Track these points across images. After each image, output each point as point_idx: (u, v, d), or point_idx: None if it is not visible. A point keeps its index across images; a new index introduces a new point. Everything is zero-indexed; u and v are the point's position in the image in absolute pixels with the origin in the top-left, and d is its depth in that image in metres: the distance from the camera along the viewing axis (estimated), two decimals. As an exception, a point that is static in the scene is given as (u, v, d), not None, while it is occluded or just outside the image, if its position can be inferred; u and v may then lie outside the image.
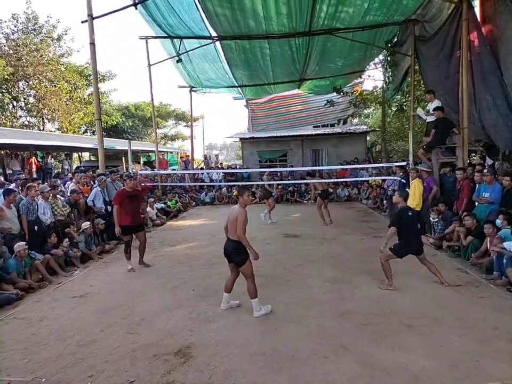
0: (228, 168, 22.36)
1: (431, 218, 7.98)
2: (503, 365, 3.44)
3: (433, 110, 8.99)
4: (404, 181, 9.41)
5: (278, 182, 16.20)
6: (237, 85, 16.84)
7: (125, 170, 16.42)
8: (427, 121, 9.68)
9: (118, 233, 6.61)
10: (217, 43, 12.59)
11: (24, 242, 6.17)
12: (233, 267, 4.77)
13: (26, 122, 24.16)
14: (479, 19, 8.19)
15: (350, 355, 3.69)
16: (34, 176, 13.27)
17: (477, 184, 7.31)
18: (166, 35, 12.35)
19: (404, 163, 10.93)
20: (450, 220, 7.59)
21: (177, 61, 13.43)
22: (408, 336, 4.05)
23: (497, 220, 6.20)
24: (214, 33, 11.83)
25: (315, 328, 4.30)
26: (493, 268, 5.72)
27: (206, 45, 12.60)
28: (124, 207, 6.58)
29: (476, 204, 7.23)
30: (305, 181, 16.19)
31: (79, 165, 20.66)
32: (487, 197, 6.79)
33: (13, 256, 5.96)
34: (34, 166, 14.60)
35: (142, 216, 7.89)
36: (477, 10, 8.35)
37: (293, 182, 16.32)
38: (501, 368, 3.39)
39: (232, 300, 4.97)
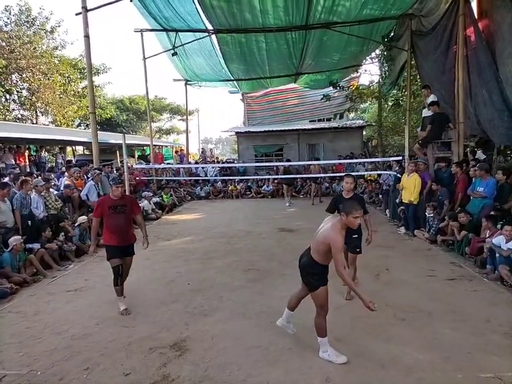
0: (223, 163, 22.31)
1: (426, 213, 8.03)
2: (495, 357, 3.48)
3: (429, 105, 9.01)
4: (400, 176, 9.44)
5: (275, 177, 16.21)
6: (232, 78, 16.76)
7: (119, 165, 16.34)
8: (423, 115, 9.70)
9: (92, 253, 5.26)
10: (213, 36, 12.51)
11: (20, 236, 6.14)
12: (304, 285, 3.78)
13: (19, 116, 23.91)
14: (475, 14, 8.20)
15: (344, 348, 3.72)
16: (28, 170, 13.17)
17: (473, 179, 7.35)
18: (161, 28, 12.24)
19: (400, 158, 10.97)
20: (444, 215, 7.65)
21: (173, 54, 13.34)
22: (402, 329, 4.09)
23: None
24: (209, 26, 11.74)
25: (310, 322, 4.30)
26: (486, 262, 5.77)
27: (202, 38, 12.51)
28: (108, 221, 4.78)
29: (471, 198, 7.28)
30: (301, 176, 16.26)
31: (70, 158, 20.49)
32: (480, 192, 6.84)
33: (8, 250, 5.92)
34: (24, 160, 14.45)
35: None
36: (474, 5, 8.36)
37: (290, 176, 16.29)
38: (493, 360, 3.44)
39: (291, 324, 3.98)
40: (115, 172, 12.12)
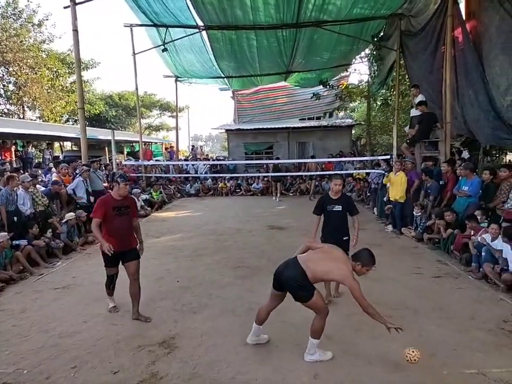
0: (213, 160, 22.25)
1: (414, 212, 8.13)
2: (479, 353, 3.56)
3: (417, 105, 9.11)
4: (387, 174, 9.53)
5: (265, 174, 16.23)
6: (223, 75, 16.70)
7: (108, 161, 16.18)
8: (411, 115, 9.80)
9: (109, 250, 4.16)
10: (204, 33, 12.42)
11: (6, 233, 6.05)
12: (278, 296, 3.67)
13: (5, 110, 23.46)
14: (464, 15, 8.30)
15: (333, 345, 3.76)
16: (14, 166, 12.95)
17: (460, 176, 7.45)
18: (151, 23, 12.11)
19: (388, 156, 11.08)
20: (430, 210, 7.76)
21: (163, 50, 13.21)
22: (389, 326, 4.14)
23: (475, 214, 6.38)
24: (200, 23, 11.66)
25: (299, 319, 4.35)
26: (471, 260, 5.88)
27: (192, 34, 12.42)
28: (111, 223, 4.32)
29: (456, 197, 7.39)
30: (291, 174, 16.32)
31: (58, 154, 20.21)
32: (465, 191, 6.94)
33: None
34: (10, 156, 14.22)
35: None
36: (462, 6, 8.46)
37: (280, 174, 16.34)
38: (477, 356, 3.51)
39: (261, 335, 3.84)
40: (104, 168, 12.02)
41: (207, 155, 26.80)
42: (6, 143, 14.57)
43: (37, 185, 8.00)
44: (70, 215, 7.76)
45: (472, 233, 6.14)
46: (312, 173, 15.15)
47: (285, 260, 3.79)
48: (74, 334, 4.10)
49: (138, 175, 14.49)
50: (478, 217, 6.31)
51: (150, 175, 15.24)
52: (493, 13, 7.23)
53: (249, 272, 6.00)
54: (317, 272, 3.35)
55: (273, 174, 15.65)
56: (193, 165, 18.30)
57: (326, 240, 4.74)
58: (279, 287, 3.56)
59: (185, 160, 21.51)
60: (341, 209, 4.76)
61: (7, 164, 11.34)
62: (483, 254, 5.55)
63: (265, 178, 16.16)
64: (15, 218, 6.78)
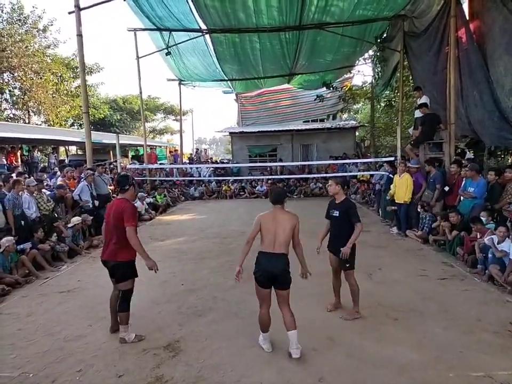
0: (217, 163, 22.29)
1: (419, 212, 8.10)
2: (486, 356, 3.53)
3: (418, 107, 9.10)
4: (392, 176, 9.50)
5: (269, 177, 16.23)
6: (226, 78, 16.75)
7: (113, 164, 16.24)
8: (415, 116, 9.78)
9: (155, 268, 4.14)
10: (207, 36, 12.49)
11: (12, 237, 6.09)
12: (268, 294, 3.66)
13: (11, 115, 23.69)
14: (467, 15, 8.28)
15: (337, 347, 3.75)
16: (19, 170, 13.04)
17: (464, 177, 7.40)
18: (154, 27, 12.20)
19: (392, 158, 11.04)
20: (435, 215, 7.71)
21: (166, 54, 13.31)
22: (395, 328, 4.12)
23: (481, 216, 6.33)
24: (203, 26, 11.73)
25: (303, 321, 4.33)
26: (477, 262, 5.84)
27: (195, 37, 12.49)
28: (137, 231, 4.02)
29: (461, 198, 7.35)
30: (295, 176, 16.32)
31: (63, 158, 20.35)
32: (471, 192, 6.90)
33: (0, 251, 5.85)
34: (16, 160, 14.32)
35: None
36: (466, 6, 8.44)
37: (284, 176, 16.38)
38: (484, 359, 3.48)
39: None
40: (109, 172, 12.06)
41: (211, 158, 26.83)
42: (13, 148, 14.68)
43: (43, 190, 8.03)
44: (76, 220, 7.80)
45: (478, 235, 6.10)
46: (313, 175, 15.17)
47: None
48: (80, 338, 4.12)
49: (143, 178, 14.53)
50: (484, 219, 6.27)
51: (154, 178, 15.28)
52: (496, 13, 7.21)
53: (251, 274, 5.98)
54: (286, 240, 3.65)
55: (277, 177, 15.70)
56: (197, 168, 18.34)
57: (328, 248, 4.63)
58: (270, 284, 3.61)
59: (189, 160, 21.57)
60: (338, 214, 4.39)
61: (18, 168, 11.40)
62: (489, 255, 5.50)
63: (269, 181, 16.16)
64: (22, 222, 6.83)
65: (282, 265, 3.56)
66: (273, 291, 3.69)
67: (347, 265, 4.37)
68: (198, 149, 25.91)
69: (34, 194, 7.49)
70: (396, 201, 8.66)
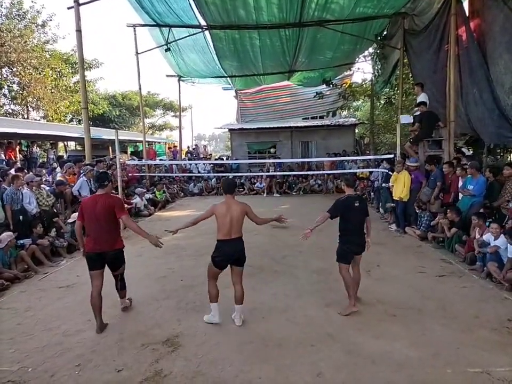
0: (216, 159, 22.26)
1: (417, 210, 8.11)
2: (483, 352, 3.55)
3: (416, 106, 9.10)
4: (391, 173, 9.51)
5: (267, 174, 16.20)
6: (226, 75, 16.71)
7: (110, 161, 16.21)
8: (414, 114, 9.78)
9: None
10: (207, 33, 12.44)
11: (12, 232, 6.08)
12: (218, 273, 4.21)
13: (10, 110, 23.58)
14: (467, 13, 8.26)
15: (336, 344, 3.76)
16: (19, 165, 13.02)
17: (460, 177, 7.41)
18: (154, 23, 12.14)
19: (391, 155, 11.04)
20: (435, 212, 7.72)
21: (166, 50, 13.24)
22: (393, 325, 4.14)
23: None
24: (203, 22, 11.68)
25: (302, 318, 4.36)
26: (475, 259, 5.86)
27: (195, 34, 12.44)
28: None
29: (460, 196, 7.36)
30: (294, 173, 16.31)
31: (62, 154, 20.32)
32: (470, 190, 6.91)
33: (1, 246, 5.83)
34: (14, 156, 14.29)
35: None
36: (466, 4, 8.42)
37: (287, 173, 16.38)
38: (481, 355, 3.50)
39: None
40: (108, 168, 12.03)
41: (210, 154, 26.79)
42: (11, 143, 14.64)
43: (42, 185, 8.01)
44: (76, 216, 7.76)
45: (477, 231, 6.11)
46: (312, 172, 15.18)
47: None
48: (79, 333, 4.13)
49: (142, 174, 14.51)
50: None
51: (153, 174, 15.26)
52: (497, 12, 7.20)
53: (252, 271, 6.00)
54: (240, 224, 4.21)
55: (275, 173, 15.71)
56: (196, 164, 18.32)
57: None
58: (226, 265, 4.18)
59: (187, 154, 21.53)
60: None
61: (17, 163, 11.38)
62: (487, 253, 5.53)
63: (268, 178, 16.17)
64: (21, 217, 6.82)
65: (240, 247, 4.17)
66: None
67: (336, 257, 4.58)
68: (197, 145, 25.85)
69: (34, 189, 7.47)
70: (394, 197, 8.69)
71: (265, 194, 15.51)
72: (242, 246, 4.19)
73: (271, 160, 16.72)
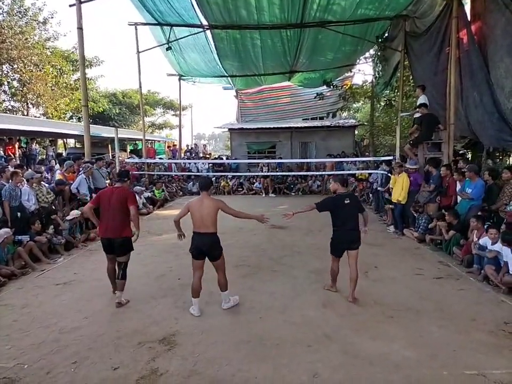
0: (215, 159, 22.25)
1: (414, 214, 8.13)
2: (480, 355, 3.55)
3: (417, 108, 9.11)
4: (390, 175, 9.53)
5: (268, 174, 16.20)
6: (226, 75, 16.70)
7: (111, 158, 16.21)
8: (414, 116, 9.80)
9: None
10: (208, 32, 12.43)
11: (9, 229, 6.07)
12: (201, 264, 4.46)
13: (10, 107, 23.57)
14: (469, 17, 8.28)
15: (333, 344, 3.76)
16: (17, 162, 12.99)
17: (458, 180, 7.42)
18: (155, 22, 12.13)
19: (391, 157, 11.05)
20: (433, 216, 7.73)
21: (167, 49, 13.24)
22: (390, 326, 4.14)
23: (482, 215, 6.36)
24: (204, 22, 11.67)
25: (299, 318, 4.36)
26: (473, 262, 5.86)
27: (197, 33, 12.44)
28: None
29: (459, 199, 7.36)
30: (294, 173, 16.32)
31: (61, 151, 20.27)
32: (468, 193, 6.92)
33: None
34: (13, 152, 14.26)
35: None
36: (468, 8, 8.43)
37: (284, 173, 16.38)
38: (478, 358, 3.51)
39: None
40: (107, 166, 12.02)
41: (210, 154, 26.77)
42: (11, 140, 14.62)
43: (42, 182, 8.00)
44: (76, 213, 7.77)
45: (475, 234, 6.12)
46: (312, 173, 15.19)
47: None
48: (75, 330, 4.12)
49: (141, 173, 14.50)
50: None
51: (152, 173, 15.25)
52: (498, 15, 7.20)
53: (250, 270, 6.00)
54: (213, 220, 4.34)
55: (275, 174, 15.72)
56: (195, 163, 18.31)
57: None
58: (201, 257, 4.42)
59: (187, 152, 21.51)
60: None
61: (13, 160, 11.34)
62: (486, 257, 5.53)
63: (262, 178, 16.21)
64: (19, 214, 6.81)
65: (208, 242, 4.34)
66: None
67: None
68: (196, 145, 25.84)
69: (33, 186, 7.46)
70: (392, 199, 8.70)
71: (263, 195, 15.55)
72: (211, 241, 4.36)
73: (265, 161, 16.73)
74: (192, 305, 4.51)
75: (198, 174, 17.24)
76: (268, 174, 15.98)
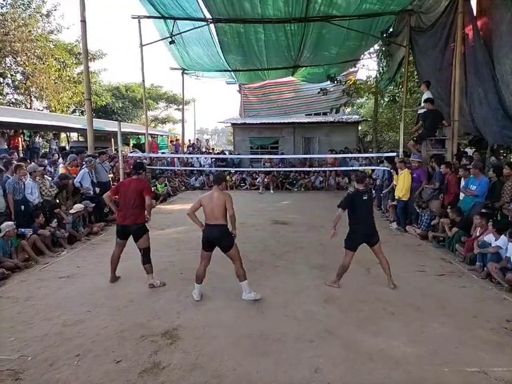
0: (218, 154, 22.24)
1: (417, 209, 8.11)
2: (481, 352, 3.56)
3: (423, 102, 9.05)
4: (393, 171, 9.50)
5: (270, 169, 16.20)
6: (230, 69, 16.64)
7: (113, 152, 16.22)
8: (418, 112, 9.74)
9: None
10: (212, 26, 12.36)
11: (12, 222, 6.10)
12: (209, 256, 4.70)
13: (13, 100, 23.56)
14: (474, 12, 8.20)
15: (334, 340, 3.78)
16: (21, 155, 13.02)
17: (463, 177, 7.39)
18: (159, 15, 12.07)
19: (394, 154, 11.02)
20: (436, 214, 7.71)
21: (170, 43, 13.18)
22: (391, 323, 4.15)
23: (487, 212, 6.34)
24: (208, 15, 11.60)
25: (301, 313, 4.37)
26: (476, 259, 5.86)
27: (200, 27, 12.37)
28: None
29: (461, 196, 7.34)
30: (296, 169, 16.29)
31: (64, 145, 20.31)
32: (472, 190, 6.89)
33: (1, 235, 5.85)
34: (17, 145, 14.29)
35: None
36: (473, 3, 8.35)
37: (286, 169, 16.35)
38: (479, 355, 3.51)
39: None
40: (110, 160, 12.03)
41: (213, 149, 26.76)
42: (16, 132, 14.64)
43: (45, 176, 8.02)
44: (79, 207, 7.79)
45: (479, 231, 6.11)
46: (314, 169, 15.16)
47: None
48: (78, 323, 4.15)
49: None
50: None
51: (155, 167, 15.26)
52: (504, 10, 7.13)
53: (252, 266, 6.02)
54: (222, 212, 4.50)
55: (277, 169, 15.69)
56: (197, 158, 18.31)
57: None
58: (210, 248, 4.64)
59: (190, 147, 21.50)
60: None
61: (15, 153, 11.38)
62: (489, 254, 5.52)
63: (270, 173, 16.15)
64: (22, 207, 6.83)
65: (218, 233, 4.52)
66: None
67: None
68: (197, 139, 25.82)
69: (37, 179, 7.48)
70: (395, 196, 8.69)
71: (260, 190, 15.32)
72: (221, 232, 4.53)
73: (266, 156, 16.68)
74: (194, 291, 4.75)
75: (200, 168, 17.25)
76: (271, 169, 15.94)
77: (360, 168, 14.85)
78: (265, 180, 15.72)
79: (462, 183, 7.36)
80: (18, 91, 23.18)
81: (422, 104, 9.15)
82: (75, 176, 8.91)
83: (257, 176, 16.58)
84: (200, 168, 17.29)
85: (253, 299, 4.67)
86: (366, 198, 5.03)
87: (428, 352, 3.56)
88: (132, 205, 5.09)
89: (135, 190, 5.12)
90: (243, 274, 4.63)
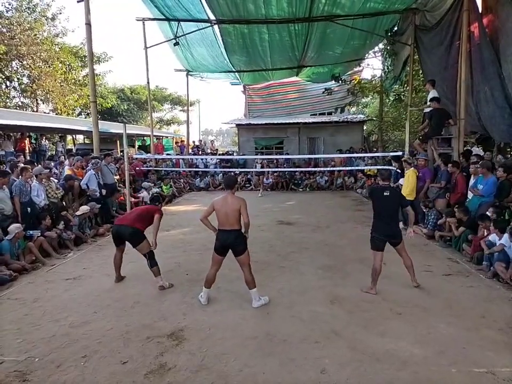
0: (222, 154, 22.26)
1: (424, 209, 8.05)
2: (489, 352, 3.52)
3: (429, 101, 8.99)
4: (399, 171, 9.45)
5: (273, 170, 16.19)
6: (234, 70, 16.66)
7: (119, 154, 16.30)
8: (424, 111, 9.68)
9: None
10: (215, 27, 12.39)
11: (20, 224, 6.15)
12: (221, 260, 4.60)
13: (19, 103, 23.76)
14: (480, 10, 8.14)
15: (340, 340, 3.76)
16: (28, 158, 13.12)
17: (471, 175, 7.33)
18: (163, 17, 12.13)
19: (400, 153, 10.95)
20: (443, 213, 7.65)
21: (175, 44, 13.22)
22: (398, 323, 4.12)
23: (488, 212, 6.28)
24: (212, 17, 11.64)
25: (307, 314, 4.36)
26: (483, 259, 5.81)
27: (204, 28, 12.41)
28: None
29: (469, 195, 7.28)
30: (301, 169, 16.27)
31: (71, 147, 20.42)
32: (479, 189, 6.83)
33: (10, 238, 5.90)
34: (24, 147, 14.39)
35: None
36: (479, 0, 8.29)
37: (291, 169, 16.34)
38: (487, 355, 3.48)
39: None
40: (116, 162, 12.07)
41: (217, 150, 26.78)
42: (23, 135, 14.77)
43: (51, 178, 8.08)
44: (85, 209, 7.83)
45: (485, 233, 6.06)
46: (319, 169, 15.11)
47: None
48: (85, 324, 4.17)
49: (149, 168, 14.56)
50: (489, 214, 6.21)
51: (160, 168, 15.31)
52: (510, 8, 7.09)
53: (258, 266, 6.00)
54: (236, 218, 4.45)
55: (284, 170, 15.67)
56: (202, 159, 18.34)
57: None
58: (223, 253, 4.55)
59: (195, 148, 21.53)
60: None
61: (21, 156, 11.47)
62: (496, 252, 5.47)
63: (275, 173, 16.14)
64: (29, 210, 6.88)
65: (233, 238, 4.43)
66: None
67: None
68: (201, 141, 25.87)
69: (43, 182, 7.53)
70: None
71: (260, 194, 14.71)
72: (236, 236, 4.45)
73: (266, 157, 16.66)
74: (201, 294, 4.69)
75: (205, 169, 17.28)
76: (263, 170, 15.94)
77: (365, 167, 14.83)
78: (259, 181, 15.64)
79: (471, 182, 7.29)
80: (24, 94, 23.38)
81: (428, 103, 9.09)
82: (81, 178, 8.97)
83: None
84: (205, 169, 17.31)
85: (264, 303, 4.58)
86: (387, 194, 4.86)
87: (435, 353, 3.53)
88: (139, 215, 5.32)
89: (148, 211, 5.55)
90: (252, 281, 4.51)
